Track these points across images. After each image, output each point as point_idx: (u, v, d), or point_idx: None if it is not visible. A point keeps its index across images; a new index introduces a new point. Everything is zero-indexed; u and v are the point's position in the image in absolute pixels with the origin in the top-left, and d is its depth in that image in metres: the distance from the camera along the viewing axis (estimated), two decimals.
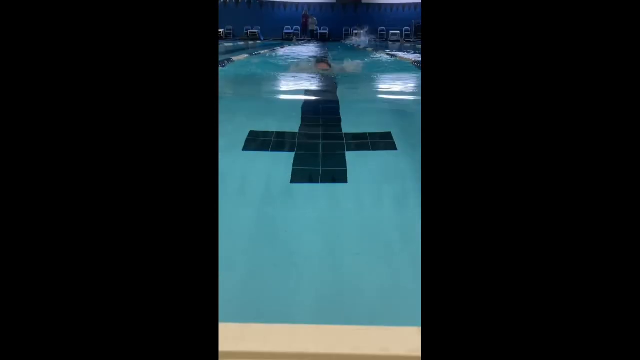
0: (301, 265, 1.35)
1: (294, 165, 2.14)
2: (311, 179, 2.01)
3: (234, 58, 7.26)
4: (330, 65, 5.92)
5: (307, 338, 0.72)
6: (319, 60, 6.86)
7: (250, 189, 1.91)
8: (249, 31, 22.12)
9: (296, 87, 4.63)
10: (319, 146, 2.29)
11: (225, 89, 3.86)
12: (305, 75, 5.28)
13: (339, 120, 2.81)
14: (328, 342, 0.71)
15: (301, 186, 1.96)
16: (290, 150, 2.30)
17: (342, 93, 3.92)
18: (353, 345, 0.71)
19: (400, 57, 8.00)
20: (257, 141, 2.42)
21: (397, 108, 3.31)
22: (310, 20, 22.74)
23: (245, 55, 8.17)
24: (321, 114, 3.10)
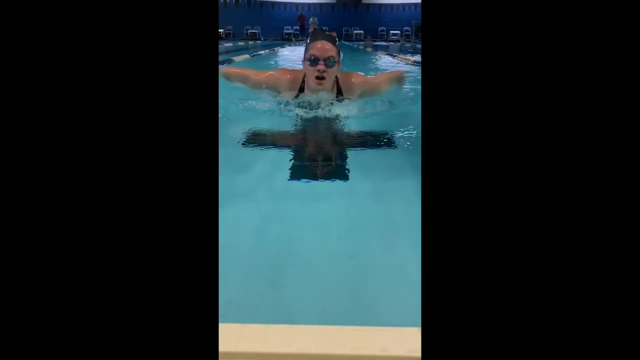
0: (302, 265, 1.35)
1: None
2: None
3: (235, 58, 7.20)
4: None
5: (307, 338, 0.72)
6: None
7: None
8: (248, 31, 22.16)
9: None
10: None
11: None
12: None
13: None
14: (328, 342, 0.71)
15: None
16: None
17: None
18: (353, 345, 0.70)
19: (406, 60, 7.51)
20: None
21: None
22: (311, 20, 22.68)
23: (246, 56, 8.09)
24: None
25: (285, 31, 23.10)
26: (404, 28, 23.91)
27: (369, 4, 25.32)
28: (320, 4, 25.03)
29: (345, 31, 23.82)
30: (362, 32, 23.40)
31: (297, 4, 24.51)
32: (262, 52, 10.54)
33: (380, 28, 24.35)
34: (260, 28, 22.76)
